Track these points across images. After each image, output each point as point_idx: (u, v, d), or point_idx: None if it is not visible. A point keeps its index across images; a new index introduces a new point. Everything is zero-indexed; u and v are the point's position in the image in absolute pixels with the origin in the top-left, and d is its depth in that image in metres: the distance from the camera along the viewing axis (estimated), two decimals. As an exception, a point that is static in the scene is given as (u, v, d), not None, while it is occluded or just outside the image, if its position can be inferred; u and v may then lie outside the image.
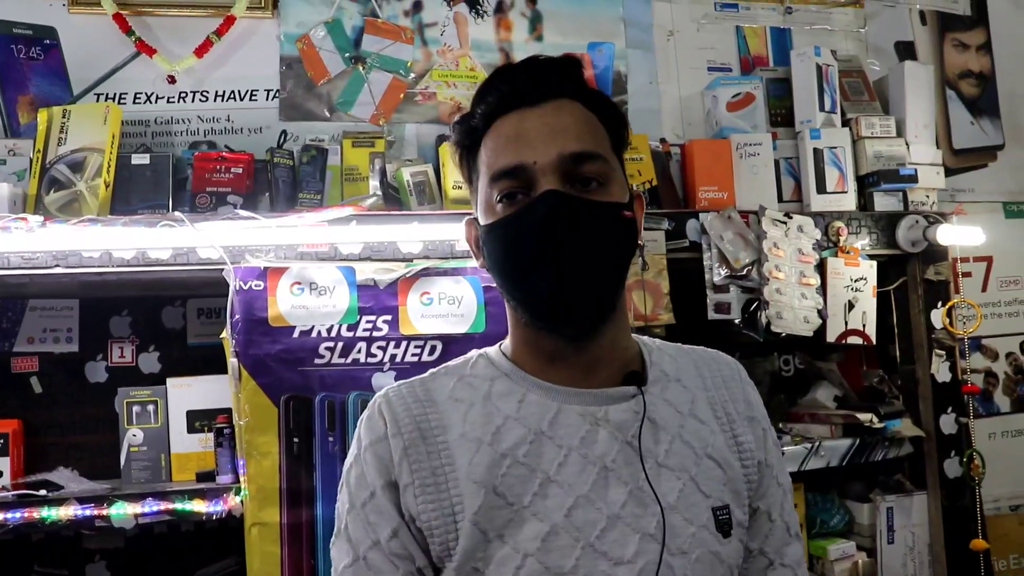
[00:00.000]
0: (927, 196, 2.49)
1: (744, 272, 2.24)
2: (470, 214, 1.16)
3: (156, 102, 2.33)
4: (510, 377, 1.12)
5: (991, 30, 2.94)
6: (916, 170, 2.43)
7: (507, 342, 1.17)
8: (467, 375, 1.14)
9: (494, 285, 2.02)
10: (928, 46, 2.86)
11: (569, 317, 1.07)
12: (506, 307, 1.14)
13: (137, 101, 2.32)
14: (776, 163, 2.45)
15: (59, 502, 1.88)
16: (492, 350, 1.17)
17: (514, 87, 1.09)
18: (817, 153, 2.42)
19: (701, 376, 1.19)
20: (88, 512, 1.88)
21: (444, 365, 1.18)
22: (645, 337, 1.23)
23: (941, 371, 2.41)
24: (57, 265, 1.89)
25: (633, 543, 1.03)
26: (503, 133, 1.08)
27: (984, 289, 2.83)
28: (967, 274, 2.68)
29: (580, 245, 1.04)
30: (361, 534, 1.06)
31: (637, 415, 1.08)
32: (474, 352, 1.18)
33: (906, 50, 2.82)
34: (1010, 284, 2.87)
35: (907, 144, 2.48)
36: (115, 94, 2.30)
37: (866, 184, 2.46)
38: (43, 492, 1.93)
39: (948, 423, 2.40)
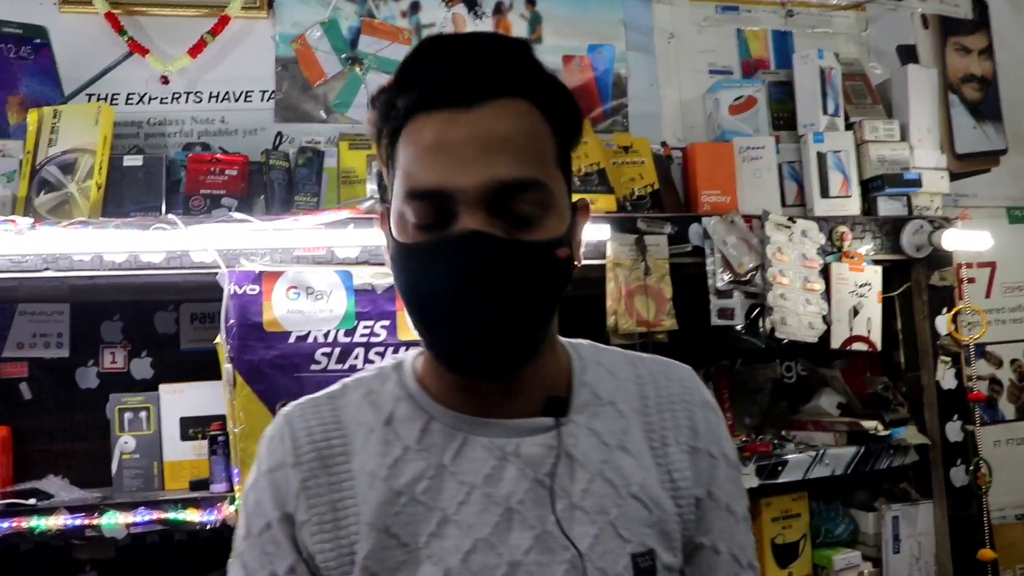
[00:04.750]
0: (931, 201, 2.47)
1: (748, 277, 2.21)
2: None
3: (149, 103, 2.30)
4: (415, 399, 1.00)
5: (993, 34, 2.93)
6: (920, 174, 2.41)
7: (420, 359, 1.04)
8: (375, 391, 1.02)
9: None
10: (930, 50, 2.84)
11: (479, 369, 0.94)
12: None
13: (130, 102, 2.29)
14: (779, 167, 2.42)
15: (49, 511, 1.84)
16: (407, 362, 1.05)
17: (442, 78, 0.89)
18: (820, 157, 2.40)
19: (642, 397, 1.06)
20: (78, 521, 1.83)
21: (358, 375, 1.06)
22: (585, 344, 1.10)
23: (947, 378, 2.39)
24: (47, 268, 1.86)
25: None
26: (425, 138, 0.88)
27: (988, 295, 2.81)
28: (971, 280, 2.66)
29: (500, 298, 0.89)
30: (256, 564, 0.97)
31: (552, 450, 0.97)
32: (389, 361, 1.07)
33: (908, 54, 2.80)
34: (1014, 290, 2.85)
35: (911, 148, 2.46)
36: (107, 94, 2.27)
37: (870, 188, 2.43)
38: (32, 501, 1.89)
39: (954, 431, 2.37)
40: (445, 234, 0.88)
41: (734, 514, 1.06)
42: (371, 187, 2.20)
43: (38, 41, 2.21)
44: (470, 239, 0.87)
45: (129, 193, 2.06)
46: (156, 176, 2.09)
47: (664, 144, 2.53)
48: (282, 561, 0.96)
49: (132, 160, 2.09)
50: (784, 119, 2.53)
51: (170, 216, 1.92)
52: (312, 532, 0.95)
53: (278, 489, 0.97)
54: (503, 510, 0.95)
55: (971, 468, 2.36)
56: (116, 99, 2.28)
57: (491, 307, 0.89)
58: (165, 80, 2.28)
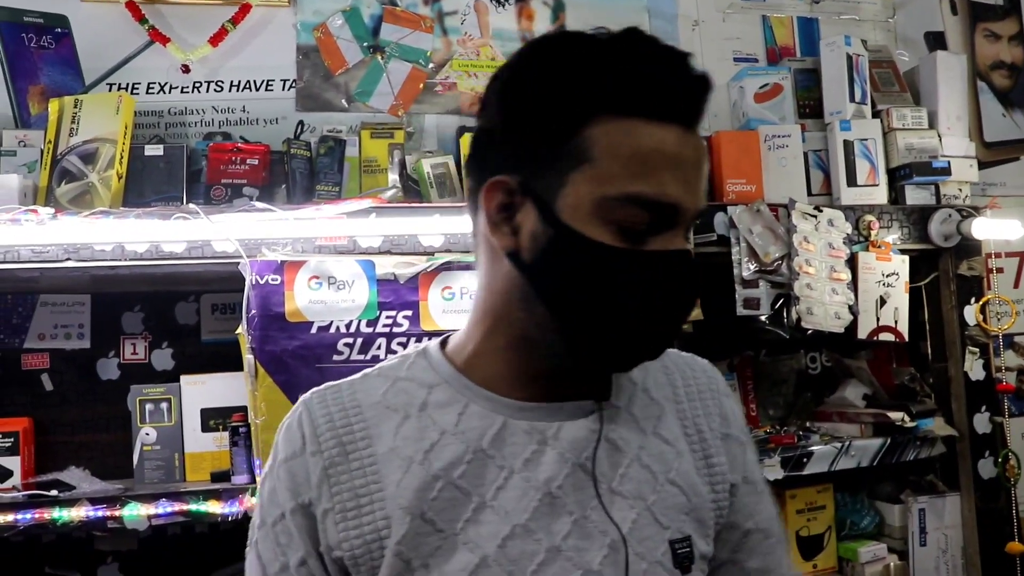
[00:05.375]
0: (959, 189, 2.43)
1: (773, 267, 2.18)
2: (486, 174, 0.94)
3: (170, 92, 2.29)
4: (451, 384, 0.98)
5: (1024, 20, 2.87)
6: (949, 163, 2.37)
7: (456, 344, 1.02)
8: (402, 378, 1.00)
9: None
10: (959, 36, 2.79)
11: (630, 364, 0.98)
12: (496, 314, 0.97)
13: (150, 91, 2.28)
14: (805, 155, 2.39)
15: (70, 503, 1.84)
16: (433, 349, 1.03)
17: (679, 93, 0.89)
18: (847, 145, 2.36)
19: (672, 386, 1.07)
20: (100, 513, 1.84)
21: (379, 365, 1.04)
22: None
23: (975, 369, 2.35)
24: (68, 259, 1.85)
25: None
26: (662, 146, 0.87)
27: (1016, 285, 2.76)
28: (999, 270, 2.61)
29: (688, 309, 0.94)
30: (270, 555, 0.96)
31: (594, 433, 0.96)
32: (412, 350, 1.05)
33: (936, 40, 2.75)
34: (1043, 281, 2.80)
35: (939, 136, 2.42)
36: (128, 84, 2.26)
37: (897, 177, 2.39)
38: (54, 492, 1.88)
39: (982, 422, 2.34)
40: (667, 250, 0.90)
41: (766, 494, 1.10)
42: (393, 176, 2.18)
43: (59, 30, 2.20)
44: (685, 257, 0.91)
45: (150, 183, 2.06)
46: (177, 166, 2.08)
47: (688, 132, 2.50)
48: (294, 553, 0.95)
49: (153, 150, 2.08)
50: (810, 107, 2.49)
51: (191, 206, 1.91)
52: (336, 520, 0.93)
53: (294, 478, 0.96)
54: (542, 495, 0.93)
55: (999, 460, 2.33)
56: (137, 88, 2.26)
57: (682, 316, 0.93)
58: (186, 69, 2.26)
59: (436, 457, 0.93)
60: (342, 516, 0.93)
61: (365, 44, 2.39)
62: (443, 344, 1.04)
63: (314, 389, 1.01)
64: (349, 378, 1.02)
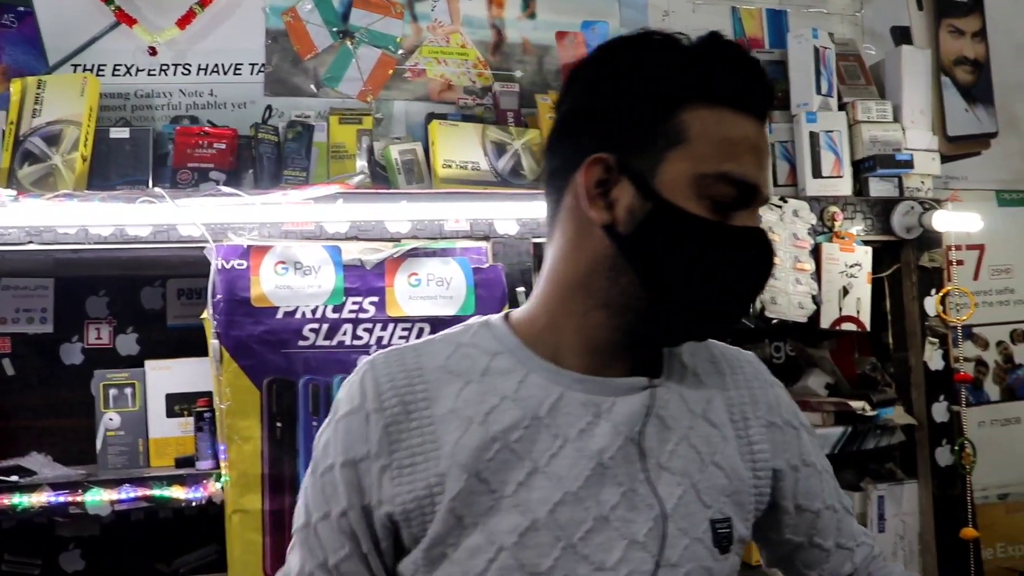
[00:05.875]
0: (922, 182, 2.46)
1: (739, 257, 2.20)
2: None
3: (136, 74, 2.26)
4: (514, 354, 1.02)
5: (987, 17, 2.91)
6: (912, 156, 2.40)
7: (525, 316, 1.06)
8: (465, 344, 1.04)
9: (484, 267, 1.99)
10: (924, 31, 2.82)
11: (704, 335, 1.06)
12: (575, 283, 1.02)
13: (116, 73, 2.24)
14: (771, 146, 2.41)
15: (31, 488, 1.82)
16: (496, 320, 1.07)
17: (757, 89, 0.99)
18: (813, 137, 2.38)
19: (720, 374, 1.11)
20: (62, 499, 1.82)
21: (442, 332, 1.08)
22: None
23: (934, 359, 2.39)
24: (31, 241, 1.83)
25: (618, 549, 0.95)
26: (747, 136, 0.97)
27: (976, 277, 2.82)
28: (959, 262, 2.66)
29: (765, 282, 1.04)
30: (316, 502, 1.02)
31: (646, 408, 1.01)
32: (475, 319, 1.09)
33: (902, 35, 2.78)
34: (1001, 273, 2.85)
35: (903, 129, 2.44)
36: (93, 65, 2.22)
37: (862, 169, 2.42)
38: (15, 478, 1.86)
39: (940, 411, 2.38)
40: (751, 227, 0.99)
41: (829, 472, 1.16)
42: (361, 162, 2.17)
43: (22, 9, 2.16)
44: (765, 234, 1.01)
45: (115, 166, 2.03)
46: (143, 149, 2.05)
47: (657, 122, 2.51)
48: (337, 504, 0.99)
49: (119, 132, 2.06)
50: (777, 98, 2.49)
51: (157, 189, 1.90)
52: (392, 476, 0.97)
53: (350, 433, 1.00)
54: (595, 464, 0.97)
55: (956, 448, 2.37)
56: (102, 70, 2.23)
57: (762, 286, 1.04)
58: (153, 51, 2.23)
59: (495, 420, 0.97)
60: (398, 472, 0.97)
61: (335, 29, 2.37)
62: (505, 318, 1.09)
63: (379, 351, 1.06)
64: (414, 342, 1.07)
